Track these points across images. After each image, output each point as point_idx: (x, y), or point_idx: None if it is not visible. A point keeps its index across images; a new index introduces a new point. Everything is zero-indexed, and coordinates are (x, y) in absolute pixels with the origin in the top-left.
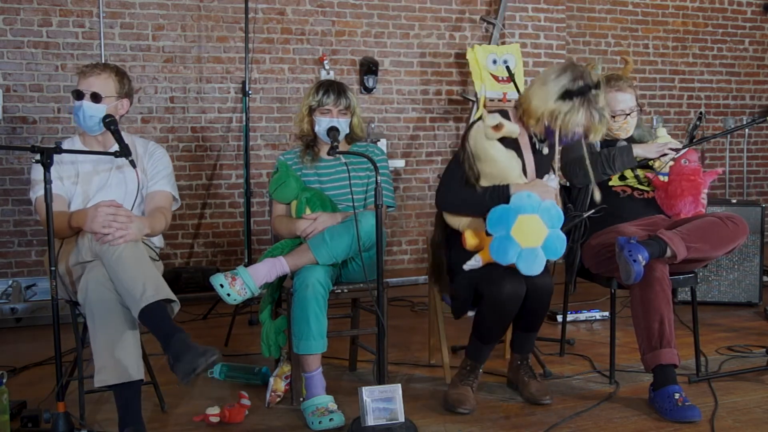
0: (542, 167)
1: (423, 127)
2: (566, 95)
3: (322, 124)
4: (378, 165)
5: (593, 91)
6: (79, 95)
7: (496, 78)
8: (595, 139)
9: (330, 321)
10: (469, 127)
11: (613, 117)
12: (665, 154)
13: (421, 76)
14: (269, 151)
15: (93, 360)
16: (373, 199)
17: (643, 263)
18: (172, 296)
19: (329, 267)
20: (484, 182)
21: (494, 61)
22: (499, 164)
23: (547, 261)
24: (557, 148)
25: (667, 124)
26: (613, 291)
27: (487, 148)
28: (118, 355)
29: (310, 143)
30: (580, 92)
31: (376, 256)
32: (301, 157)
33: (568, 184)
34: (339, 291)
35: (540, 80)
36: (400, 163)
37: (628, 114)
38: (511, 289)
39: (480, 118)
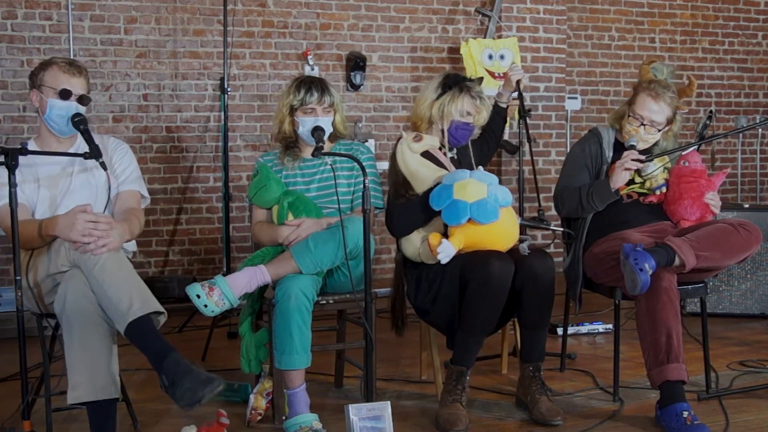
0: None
1: (413, 127)
2: (444, 88)
3: (306, 124)
4: (365, 166)
5: (468, 83)
6: (66, 94)
7: (492, 74)
8: (479, 123)
9: (314, 334)
10: (393, 149)
11: (628, 117)
12: (634, 167)
13: (411, 72)
14: (249, 152)
15: (67, 375)
16: (360, 202)
17: (650, 272)
18: (160, 308)
19: (313, 276)
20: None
21: (490, 56)
22: (429, 177)
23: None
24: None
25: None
26: (617, 302)
27: (415, 163)
28: (96, 371)
29: (290, 144)
30: (455, 82)
31: (364, 264)
32: (282, 158)
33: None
34: (324, 302)
35: (420, 93)
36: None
37: (645, 124)
38: (500, 266)
39: (400, 138)
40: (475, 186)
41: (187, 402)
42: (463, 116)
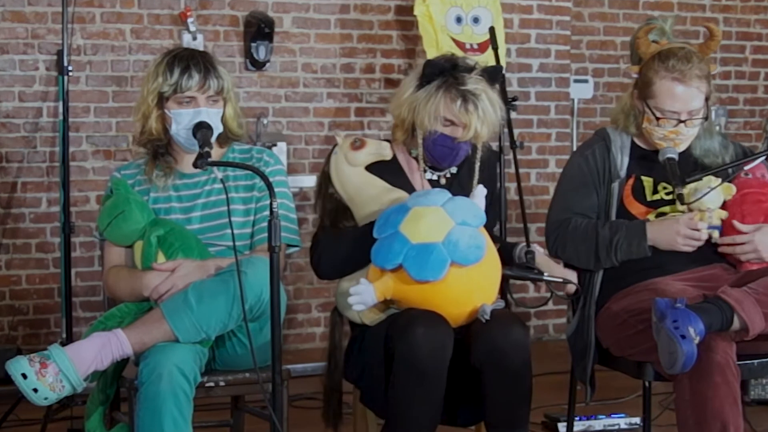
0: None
1: (346, 124)
2: (421, 78)
3: (182, 119)
4: (273, 183)
5: (459, 74)
6: None
7: (461, 45)
8: (465, 137)
9: (197, 431)
10: (326, 162)
11: (659, 119)
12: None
13: (342, 43)
14: (101, 161)
15: None
16: (264, 236)
17: (697, 340)
18: None
19: (196, 346)
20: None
21: (458, 19)
22: (375, 201)
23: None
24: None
25: (734, 119)
26: (647, 384)
27: (356, 181)
28: None
29: (160, 150)
30: (437, 70)
31: (271, 328)
32: (148, 171)
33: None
34: (211, 384)
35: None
36: (308, 180)
37: (683, 121)
38: (427, 336)
39: (335, 146)
40: (436, 221)
41: None
42: (441, 125)
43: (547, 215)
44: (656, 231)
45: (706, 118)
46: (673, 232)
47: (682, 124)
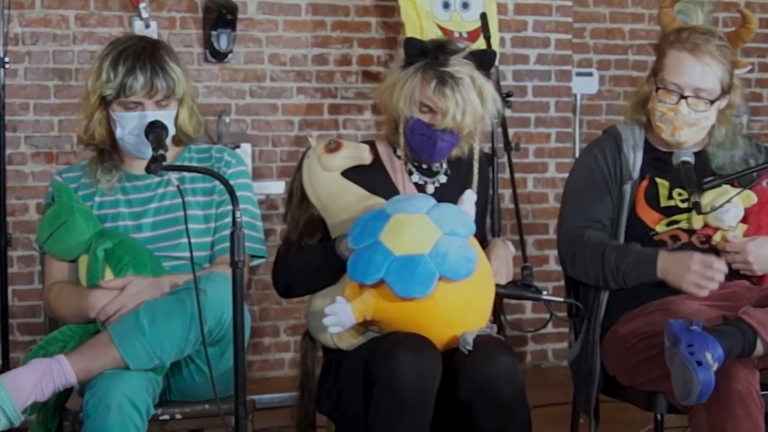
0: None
1: (319, 123)
2: (407, 62)
3: (127, 123)
4: (235, 187)
5: (441, 55)
6: None
7: (449, 34)
8: (442, 125)
9: None
10: (298, 167)
11: (658, 89)
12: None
13: (314, 31)
14: (41, 165)
15: None
16: (226, 247)
17: (715, 367)
18: None
19: (148, 374)
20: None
21: (446, 5)
22: (353, 208)
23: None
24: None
25: (757, 117)
26: (659, 417)
27: (330, 186)
28: None
29: (106, 149)
30: (420, 50)
31: (234, 354)
32: (93, 168)
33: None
34: (166, 417)
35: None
36: (276, 186)
37: (685, 97)
38: (413, 361)
39: (308, 149)
40: (421, 230)
41: None
42: (419, 111)
43: (558, 224)
44: (668, 263)
45: (713, 102)
46: (684, 267)
47: (683, 101)
